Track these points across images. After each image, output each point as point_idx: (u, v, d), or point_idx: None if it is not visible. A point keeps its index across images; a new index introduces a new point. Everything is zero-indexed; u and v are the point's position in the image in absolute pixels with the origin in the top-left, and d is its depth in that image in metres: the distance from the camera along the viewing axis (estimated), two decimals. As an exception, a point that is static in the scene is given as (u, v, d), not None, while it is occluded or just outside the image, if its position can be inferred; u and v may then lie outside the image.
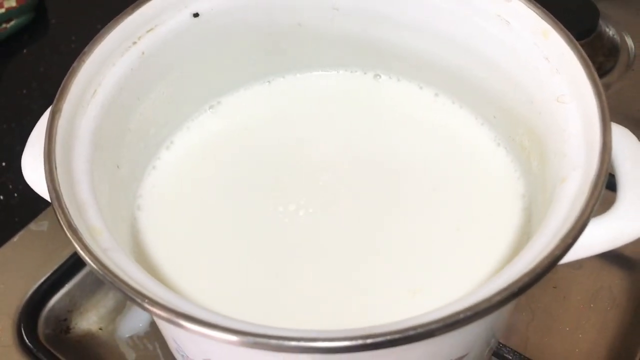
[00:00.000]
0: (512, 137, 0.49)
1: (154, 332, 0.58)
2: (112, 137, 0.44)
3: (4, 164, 0.74)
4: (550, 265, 0.32)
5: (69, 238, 0.35)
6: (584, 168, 0.37)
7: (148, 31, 0.46)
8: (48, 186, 0.36)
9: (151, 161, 0.50)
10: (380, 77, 0.55)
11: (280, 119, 0.53)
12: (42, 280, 0.57)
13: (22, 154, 0.71)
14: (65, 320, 0.58)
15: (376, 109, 0.54)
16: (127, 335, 0.58)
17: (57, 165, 0.37)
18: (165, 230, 0.47)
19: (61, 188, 0.36)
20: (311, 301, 0.43)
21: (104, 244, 0.35)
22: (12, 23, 0.86)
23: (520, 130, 0.47)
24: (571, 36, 0.42)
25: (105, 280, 0.33)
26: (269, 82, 0.55)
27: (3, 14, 0.85)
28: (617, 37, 0.78)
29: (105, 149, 0.43)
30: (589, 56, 0.67)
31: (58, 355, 0.55)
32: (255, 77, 0.55)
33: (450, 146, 0.51)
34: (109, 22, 0.45)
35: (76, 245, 0.33)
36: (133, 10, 0.45)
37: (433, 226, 0.47)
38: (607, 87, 0.73)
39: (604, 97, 0.39)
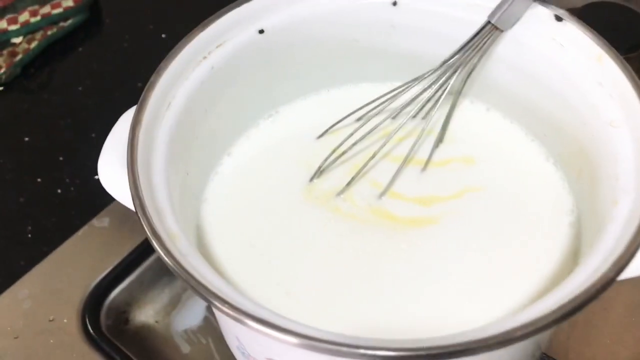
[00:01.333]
0: (562, 155, 0.51)
1: (207, 327, 0.61)
2: (183, 147, 0.47)
3: (61, 158, 0.76)
4: (604, 286, 0.34)
5: (150, 241, 0.37)
6: (636, 192, 0.39)
7: (218, 46, 0.49)
8: (132, 195, 0.39)
9: (215, 167, 0.53)
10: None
11: (336, 128, 0.55)
12: (103, 274, 0.61)
13: (78, 149, 0.76)
14: (124, 312, 0.62)
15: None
16: (181, 329, 0.61)
17: (140, 175, 0.40)
18: (228, 231, 0.50)
19: (143, 194, 0.39)
20: (369, 307, 0.45)
21: (183, 249, 0.38)
22: (68, 22, 0.89)
23: (571, 150, 0.49)
24: (625, 62, 0.44)
25: (187, 284, 0.35)
26: (326, 91, 0.58)
27: (61, 13, 0.88)
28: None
29: (177, 158, 0.46)
30: (637, 70, 0.69)
31: (119, 344, 0.58)
32: (313, 88, 0.58)
33: (499, 160, 0.53)
34: (169, 30, 0.48)
35: (159, 251, 0.36)
36: (204, 27, 0.48)
37: (482, 236, 0.49)
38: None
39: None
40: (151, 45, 0.85)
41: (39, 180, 0.73)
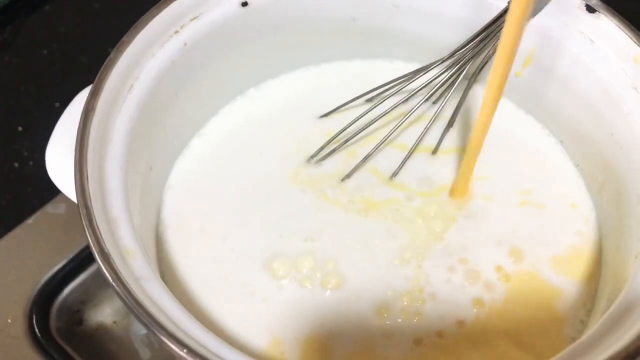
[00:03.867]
0: (582, 163, 0.45)
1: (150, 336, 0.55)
2: (147, 138, 0.40)
3: (20, 128, 0.69)
4: None
5: (97, 263, 0.31)
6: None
7: (192, 19, 0.42)
8: (79, 201, 0.32)
9: (182, 150, 0.47)
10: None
11: (318, 101, 0.49)
12: (56, 268, 0.54)
13: (38, 119, 0.69)
14: (77, 312, 0.55)
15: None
16: (142, 332, 0.55)
17: (89, 176, 0.33)
18: (194, 221, 0.44)
19: (92, 202, 0.32)
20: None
21: (138, 271, 0.32)
22: (34, -24, 0.81)
23: (592, 160, 0.43)
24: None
25: (138, 320, 0.29)
26: (315, 67, 0.51)
27: (25, -34, 0.80)
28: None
29: (139, 152, 0.39)
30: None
31: (69, 350, 0.52)
32: (300, 64, 0.51)
33: (509, 149, 0.47)
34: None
35: (108, 277, 0.30)
36: (177, -4, 0.41)
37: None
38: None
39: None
40: (125, 6, 0.78)
41: (-7, 151, 0.66)
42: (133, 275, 0.31)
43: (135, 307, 0.29)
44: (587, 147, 0.44)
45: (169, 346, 0.28)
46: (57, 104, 0.70)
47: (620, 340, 0.30)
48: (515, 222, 0.43)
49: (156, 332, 0.28)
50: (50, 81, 0.73)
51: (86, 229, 0.31)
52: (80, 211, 0.32)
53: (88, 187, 0.32)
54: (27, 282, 0.53)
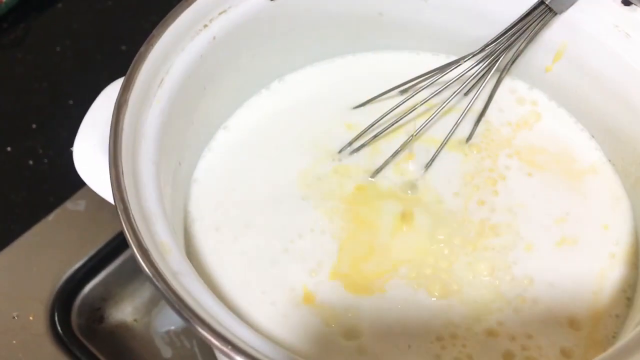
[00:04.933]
0: (613, 160, 0.44)
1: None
2: (177, 132, 0.40)
3: (34, 125, 0.69)
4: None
5: (135, 258, 0.30)
6: None
7: (220, 13, 0.41)
8: (115, 197, 0.31)
9: (208, 143, 0.46)
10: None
11: (344, 93, 0.49)
12: (77, 265, 0.54)
13: (53, 117, 0.68)
14: (98, 309, 0.55)
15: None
16: (163, 330, 0.55)
17: (124, 172, 0.32)
18: (219, 215, 0.43)
19: (129, 198, 0.32)
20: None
21: (175, 266, 0.31)
22: (47, -27, 0.80)
23: (626, 156, 0.43)
24: None
25: (179, 315, 0.28)
26: (340, 58, 0.50)
27: (37, -38, 0.79)
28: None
29: (170, 146, 0.38)
30: None
31: (91, 346, 0.52)
32: (326, 56, 0.50)
33: (541, 142, 0.46)
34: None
35: (148, 272, 0.29)
36: (206, -11, 0.40)
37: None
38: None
39: None
40: (138, 4, 0.77)
41: (8, 149, 0.66)
42: (171, 271, 0.30)
43: (176, 302, 0.28)
44: (621, 142, 0.43)
45: (211, 342, 0.28)
46: (71, 102, 0.70)
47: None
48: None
49: (199, 327, 0.28)
50: (64, 79, 0.72)
51: (124, 224, 0.31)
52: (117, 206, 0.31)
53: (124, 182, 0.32)
54: (49, 279, 0.53)
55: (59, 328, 0.51)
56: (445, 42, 0.49)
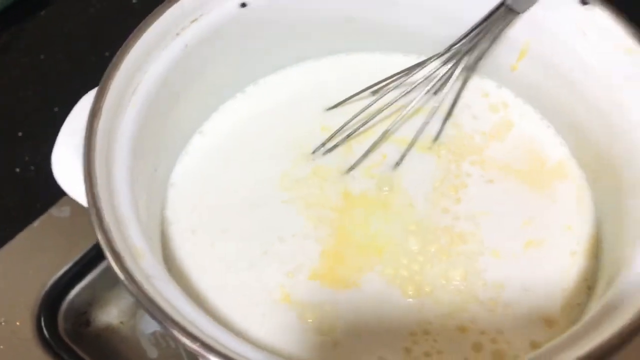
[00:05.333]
0: (579, 152, 0.46)
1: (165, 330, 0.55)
2: (151, 139, 0.41)
3: (20, 133, 0.70)
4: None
5: (109, 262, 0.31)
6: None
7: (192, 22, 0.43)
8: (88, 202, 0.33)
9: (184, 147, 0.47)
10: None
11: (318, 95, 0.50)
12: (63, 270, 0.54)
13: (39, 124, 0.69)
14: (84, 313, 0.56)
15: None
16: (148, 331, 0.56)
17: (98, 177, 0.33)
18: (196, 219, 0.44)
19: (102, 203, 0.33)
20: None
21: (148, 270, 0.32)
22: (29, -19, 0.81)
23: (588, 150, 0.44)
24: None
25: (152, 317, 0.30)
26: (313, 61, 0.52)
27: (20, -30, 0.80)
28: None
29: (144, 153, 0.40)
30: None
31: (78, 350, 0.53)
32: (299, 59, 0.52)
33: (508, 138, 0.48)
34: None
35: (121, 276, 0.30)
36: (177, -1, 0.41)
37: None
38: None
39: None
40: (120, 11, 0.78)
41: (-6, 157, 0.66)
42: (144, 274, 0.32)
43: (148, 305, 0.30)
44: (582, 137, 0.44)
45: (181, 341, 0.29)
46: (56, 109, 0.70)
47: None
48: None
49: (169, 327, 0.29)
50: (49, 86, 0.73)
51: (97, 230, 0.32)
52: (90, 212, 0.32)
53: (97, 189, 0.33)
54: (35, 285, 0.54)
55: (45, 333, 0.52)
56: (415, 43, 0.50)
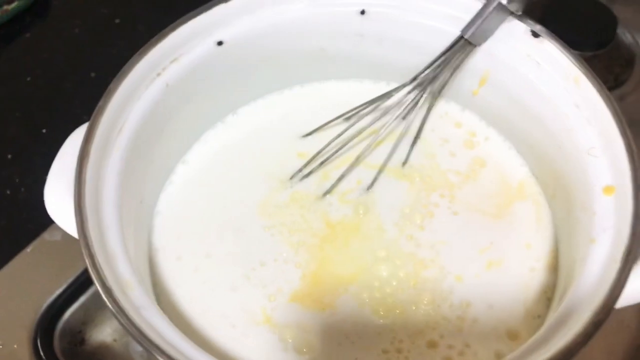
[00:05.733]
0: (537, 172, 0.49)
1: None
2: (137, 174, 0.44)
3: (9, 156, 0.72)
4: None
5: (100, 295, 0.34)
6: (614, 231, 0.37)
7: (172, 61, 0.46)
8: (81, 241, 0.36)
9: (169, 177, 0.50)
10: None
11: (294, 122, 0.53)
12: (57, 293, 0.57)
13: (27, 146, 0.71)
14: (79, 332, 0.58)
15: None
16: (141, 349, 0.59)
17: (88, 217, 0.36)
18: (182, 244, 0.47)
19: (92, 241, 0.36)
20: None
21: (136, 301, 0.35)
22: (13, 5, 0.82)
23: (545, 170, 0.47)
24: (603, 85, 0.42)
25: (140, 345, 0.33)
26: (289, 90, 0.55)
27: (4, -5, 0.82)
28: (634, 46, 0.77)
29: (131, 188, 0.42)
30: (606, 67, 0.67)
31: (74, 369, 0.55)
32: (276, 89, 0.55)
33: (471, 159, 0.51)
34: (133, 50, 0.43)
35: (111, 308, 0.33)
36: (157, 41, 0.44)
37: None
38: (621, 98, 0.72)
39: (636, 156, 0.39)
40: (104, 31, 0.80)
41: (-15, 180, 0.68)
42: (133, 305, 0.35)
43: (136, 335, 0.33)
44: (539, 158, 0.48)
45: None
46: (44, 130, 0.72)
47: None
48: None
49: (156, 354, 0.32)
50: (36, 108, 0.74)
51: (89, 266, 0.35)
52: (83, 251, 0.35)
53: (88, 227, 0.36)
54: (30, 308, 0.56)
55: (42, 353, 0.55)
56: (384, 71, 0.54)
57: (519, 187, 0.49)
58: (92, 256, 0.35)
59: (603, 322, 0.33)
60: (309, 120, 0.52)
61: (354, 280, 0.44)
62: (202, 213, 0.48)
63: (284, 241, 0.46)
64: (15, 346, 0.54)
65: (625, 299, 0.34)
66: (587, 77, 0.42)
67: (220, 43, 0.47)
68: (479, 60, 0.48)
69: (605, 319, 0.33)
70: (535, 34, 0.45)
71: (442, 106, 0.53)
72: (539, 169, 0.49)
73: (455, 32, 0.47)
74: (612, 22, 0.73)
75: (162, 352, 0.32)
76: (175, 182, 0.50)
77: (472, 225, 0.47)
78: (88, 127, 0.40)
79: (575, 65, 0.43)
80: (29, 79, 0.79)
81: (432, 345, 0.43)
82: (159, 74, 0.45)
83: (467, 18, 0.46)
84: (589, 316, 0.33)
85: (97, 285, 0.34)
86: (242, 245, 0.46)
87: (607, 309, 0.34)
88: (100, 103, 0.41)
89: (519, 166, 0.50)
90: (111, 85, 0.42)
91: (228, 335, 0.42)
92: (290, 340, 0.42)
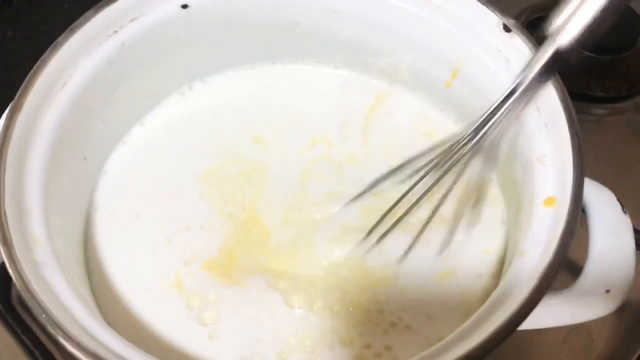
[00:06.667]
0: (500, 182, 0.47)
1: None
2: (81, 130, 0.43)
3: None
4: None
5: None
6: (543, 248, 0.35)
7: (131, 20, 0.45)
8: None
9: (122, 137, 0.49)
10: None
11: (260, 100, 0.52)
12: None
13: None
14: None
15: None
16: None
17: (7, 165, 0.36)
18: (124, 206, 0.46)
19: (6, 194, 0.36)
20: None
21: (40, 257, 0.35)
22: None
23: (505, 177, 0.45)
24: (565, 92, 0.39)
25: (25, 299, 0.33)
26: (260, 65, 0.53)
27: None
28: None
29: (71, 144, 0.42)
30: (622, 74, 0.63)
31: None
32: (246, 61, 0.53)
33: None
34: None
35: (6, 260, 0.33)
36: (115, -2, 0.43)
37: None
38: (637, 108, 0.68)
39: (582, 170, 0.36)
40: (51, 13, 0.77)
41: None
42: (33, 261, 0.34)
43: (22, 288, 0.33)
44: (502, 162, 0.45)
45: (47, 327, 0.32)
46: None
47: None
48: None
49: (37, 313, 0.32)
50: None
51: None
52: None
53: (3, 177, 0.36)
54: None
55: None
56: (355, 53, 0.51)
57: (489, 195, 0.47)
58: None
59: (503, 340, 0.31)
60: (272, 101, 0.51)
61: (277, 268, 0.43)
62: (146, 175, 0.47)
63: (215, 209, 0.46)
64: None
65: (529, 323, 0.32)
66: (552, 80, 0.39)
67: (185, 6, 0.46)
68: (452, 48, 0.46)
69: (506, 336, 0.31)
70: (507, 28, 0.42)
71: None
72: (500, 171, 0.46)
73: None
74: (636, 27, 0.69)
75: (44, 311, 0.32)
76: (129, 142, 0.49)
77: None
78: (26, 80, 0.40)
79: (544, 66, 0.40)
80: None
81: (346, 344, 0.41)
82: (115, 32, 0.44)
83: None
84: (491, 332, 0.31)
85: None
86: (174, 209, 0.45)
87: (509, 328, 0.31)
88: (45, 55, 0.41)
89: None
90: (60, 39, 0.42)
91: (138, 295, 0.42)
92: (195, 308, 0.42)
